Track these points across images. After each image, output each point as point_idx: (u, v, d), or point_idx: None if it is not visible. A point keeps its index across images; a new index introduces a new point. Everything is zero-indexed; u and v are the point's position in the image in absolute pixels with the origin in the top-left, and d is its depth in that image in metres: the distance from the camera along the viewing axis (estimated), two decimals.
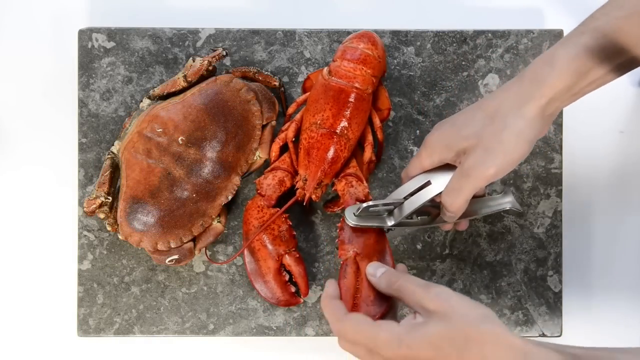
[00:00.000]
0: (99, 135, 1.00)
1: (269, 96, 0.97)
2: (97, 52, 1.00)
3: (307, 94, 0.96)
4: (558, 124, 1.00)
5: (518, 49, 1.00)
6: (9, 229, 1.02)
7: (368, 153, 0.95)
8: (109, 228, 0.95)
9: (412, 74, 1.00)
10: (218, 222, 0.95)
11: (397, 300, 0.83)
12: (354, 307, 0.85)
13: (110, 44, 1.00)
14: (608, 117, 1.04)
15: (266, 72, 0.98)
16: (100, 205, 0.93)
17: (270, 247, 0.93)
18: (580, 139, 1.03)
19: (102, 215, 0.94)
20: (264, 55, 1.00)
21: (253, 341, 1.01)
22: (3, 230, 1.02)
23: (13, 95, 1.03)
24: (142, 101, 0.97)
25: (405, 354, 0.75)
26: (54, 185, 1.02)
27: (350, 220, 0.88)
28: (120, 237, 0.94)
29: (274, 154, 0.96)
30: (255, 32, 1.00)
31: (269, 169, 0.95)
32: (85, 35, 0.99)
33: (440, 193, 0.86)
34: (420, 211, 0.89)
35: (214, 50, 0.96)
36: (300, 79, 1.00)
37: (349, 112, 0.92)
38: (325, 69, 0.94)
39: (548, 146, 1.00)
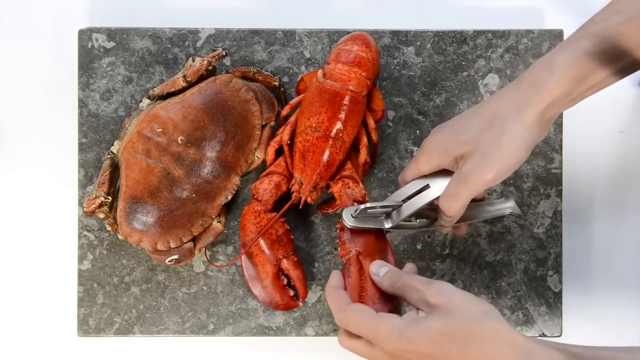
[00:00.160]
0: (99, 135, 1.00)
1: (269, 96, 0.97)
2: (97, 52, 1.00)
3: (301, 96, 0.95)
4: (558, 124, 1.00)
5: (518, 49, 1.00)
6: (9, 229, 1.03)
7: (363, 155, 0.95)
8: (108, 228, 0.95)
9: (412, 74, 1.00)
10: (218, 222, 0.95)
11: (400, 299, 0.83)
12: None
13: (110, 44, 1.00)
14: (608, 117, 1.04)
15: (266, 72, 0.98)
16: (100, 205, 0.93)
17: (268, 251, 0.93)
18: (580, 139, 1.03)
19: (102, 215, 0.94)
20: (264, 55, 1.00)
21: (253, 341, 1.01)
22: (3, 230, 1.03)
23: (13, 95, 1.03)
24: (141, 101, 0.97)
25: (406, 347, 0.75)
26: (54, 185, 1.02)
27: (348, 221, 0.88)
28: (120, 237, 0.94)
29: (269, 157, 0.95)
30: (255, 32, 1.00)
31: (264, 173, 0.95)
32: (85, 35, 0.99)
33: (439, 197, 0.86)
34: (418, 214, 0.89)
35: (214, 50, 0.96)
36: None
37: (344, 115, 0.92)
38: (320, 72, 0.94)
39: (548, 146, 1.00)
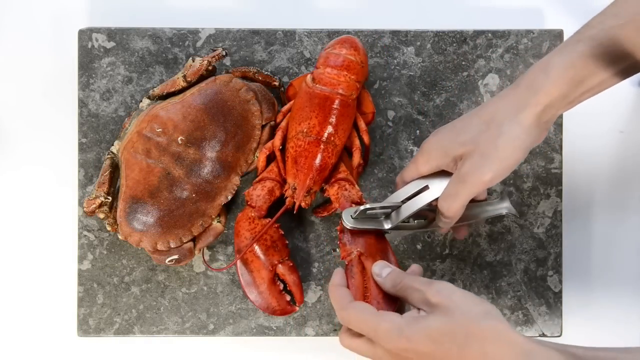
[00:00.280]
0: (99, 135, 1.00)
1: (269, 96, 0.97)
2: (97, 52, 1.00)
3: (292, 102, 0.95)
4: (558, 124, 1.00)
5: (518, 49, 1.00)
6: (9, 229, 1.03)
7: (357, 158, 0.95)
8: (108, 228, 0.95)
9: (412, 74, 1.00)
10: (218, 222, 0.95)
11: (402, 300, 0.84)
12: None
13: (110, 44, 1.00)
14: (608, 117, 1.04)
15: (266, 72, 0.98)
16: (100, 205, 0.93)
17: (263, 257, 0.93)
18: (580, 139, 1.03)
19: (102, 215, 0.94)
20: (264, 55, 1.00)
21: (253, 341, 1.01)
22: (3, 230, 1.03)
23: (13, 95, 1.03)
24: (141, 101, 0.97)
25: (405, 346, 0.75)
26: (54, 185, 1.02)
27: (348, 222, 0.88)
28: (120, 237, 0.94)
29: (261, 164, 0.95)
30: (255, 32, 1.00)
31: (257, 179, 0.95)
32: (85, 35, 0.99)
33: (438, 198, 0.86)
34: (417, 215, 0.89)
35: (214, 50, 0.96)
36: None
37: (334, 119, 0.92)
38: (309, 76, 0.94)
39: (548, 146, 1.00)
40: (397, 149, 1.00)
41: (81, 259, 0.99)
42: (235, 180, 0.95)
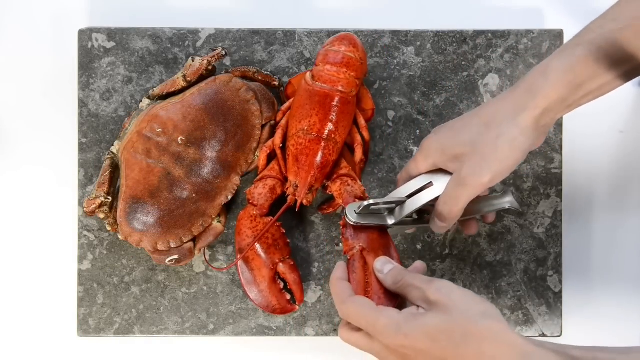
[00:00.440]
0: (99, 135, 1.00)
1: (269, 96, 0.97)
2: (97, 52, 1.00)
3: (291, 100, 0.95)
4: (558, 124, 1.00)
5: (518, 49, 1.00)
6: (9, 229, 1.03)
7: (359, 153, 0.95)
8: (109, 228, 0.95)
9: (412, 74, 1.00)
10: (218, 222, 0.95)
11: (403, 297, 0.84)
12: None
13: (110, 44, 1.00)
14: (608, 117, 1.04)
15: (266, 72, 0.98)
16: (100, 205, 0.93)
17: (264, 256, 0.93)
18: (580, 139, 1.03)
19: (102, 215, 0.94)
20: (264, 55, 1.00)
21: (253, 341, 1.01)
22: (3, 230, 1.02)
23: (13, 95, 1.03)
24: (141, 101, 0.97)
25: (402, 342, 0.76)
26: (54, 185, 1.02)
27: (352, 217, 0.89)
28: (120, 237, 0.94)
29: (261, 162, 0.95)
30: (255, 32, 1.00)
31: (258, 178, 0.95)
32: (85, 35, 0.99)
33: (437, 201, 0.86)
34: (419, 211, 0.89)
35: (214, 50, 0.96)
36: None
37: (335, 117, 0.92)
38: (309, 74, 0.94)
39: (548, 146, 1.00)
40: (397, 149, 1.00)
41: (81, 259, 0.99)
42: (236, 180, 0.95)
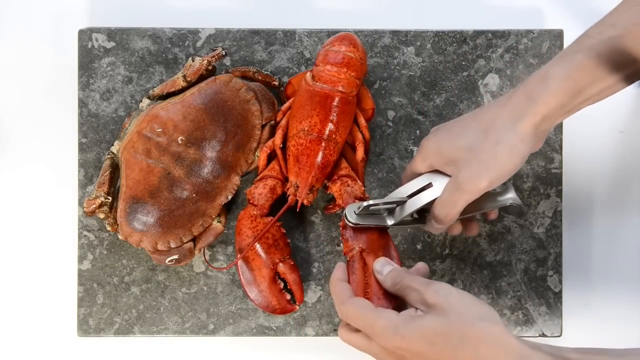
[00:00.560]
0: (99, 135, 1.00)
1: (269, 96, 0.97)
2: (97, 52, 1.00)
3: (291, 100, 0.95)
4: (558, 125, 1.00)
5: (518, 49, 1.00)
6: (9, 229, 1.03)
7: (360, 152, 0.95)
8: (109, 228, 0.95)
9: (412, 74, 1.00)
10: (218, 222, 0.95)
11: (401, 298, 0.84)
12: None
13: (110, 44, 1.00)
14: (608, 117, 1.04)
15: (266, 72, 0.98)
16: (100, 205, 0.93)
17: (264, 256, 0.93)
18: (580, 139, 1.03)
19: (102, 215, 0.94)
20: (264, 55, 1.00)
21: (253, 341, 1.01)
22: (3, 230, 1.03)
23: (13, 95, 1.03)
24: (141, 101, 0.97)
25: (399, 344, 0.76)
26: (54, 185, 1.02)
27: (351, 218, 0.89)
28: (120, 237, 0.94)
29: (262, 162, 0.96)
30: (255, 32, 1.00)
31: (258, 178, 0.95)
32: (85, 35, 0.99)
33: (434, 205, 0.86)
34: (419, 210, 0.89)
35: (214, 50, 0.96)
36: None
37: (335, 117, 0.92)
38: (309, 74, 0.94)
39: (548, 146, 1.00)
40: (397, 149, 1.00)
41: (81, 259, 0.99)
42: (236, 180, 0.95)
